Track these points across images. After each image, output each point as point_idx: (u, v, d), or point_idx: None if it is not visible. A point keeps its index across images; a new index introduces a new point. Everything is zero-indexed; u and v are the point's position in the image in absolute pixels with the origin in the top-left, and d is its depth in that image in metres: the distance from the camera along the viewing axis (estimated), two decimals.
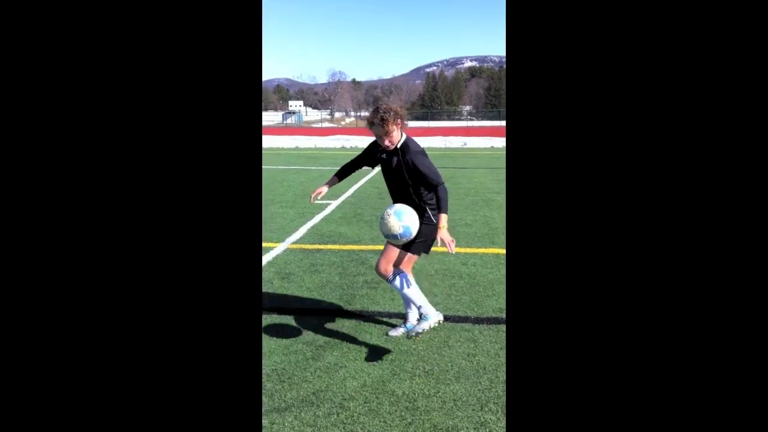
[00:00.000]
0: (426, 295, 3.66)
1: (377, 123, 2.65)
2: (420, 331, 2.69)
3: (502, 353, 2.79)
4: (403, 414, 2.26)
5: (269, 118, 62.07)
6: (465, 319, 3.27)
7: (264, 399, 2.37)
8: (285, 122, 56.59)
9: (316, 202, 3.02)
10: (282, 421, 2.20)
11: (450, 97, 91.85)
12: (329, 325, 3.20)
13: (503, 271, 4.23)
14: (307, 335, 3.05)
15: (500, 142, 22.34)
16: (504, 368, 2.62)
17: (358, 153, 3.02)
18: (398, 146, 2.73)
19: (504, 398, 2.36)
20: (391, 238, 2.67)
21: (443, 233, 2.62)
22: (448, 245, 2.59)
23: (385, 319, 3.27)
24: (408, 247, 2.78)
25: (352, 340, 2.99)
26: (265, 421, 2.20)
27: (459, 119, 62.19)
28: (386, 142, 2.70)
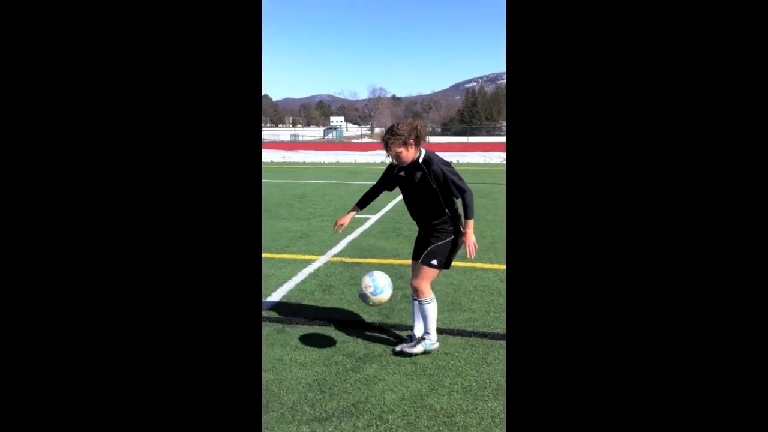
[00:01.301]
0: (464, 312, 3.67)
1: (388, 146, 2.78)
2: (414, 353, 2.92)
3: None
4: (441, 429, 2.27)
5: (311, 133, 63.43)
6: (504, 337, 3.26)
7: (306, 408, 2.44)
8: (326, 137, 57.65)
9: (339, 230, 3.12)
10: (323, 430, 2.27)
11: (490, 112, 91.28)
12: (369, 338, 3.25)
13: None
14: (347, 347, 3.11)
15: None
16: None
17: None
18: (419, 161, 2.81)
19: None
20: (364, 298, 2.85)
21: (471, 236, 2.80)
22: (472, 247, 2.78)
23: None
24: (429, 261, 2.86)
25: (391, 353, 3.03)
26: (306, 430, 2.27)
27: (499, 135, 61.67)
28: (395, 162, 2.86)
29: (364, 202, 3.12)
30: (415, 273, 2.95)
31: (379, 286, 2.82)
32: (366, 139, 48.45)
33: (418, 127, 2.76)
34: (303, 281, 4.44)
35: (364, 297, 2.85)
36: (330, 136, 62.40)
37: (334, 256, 5.34)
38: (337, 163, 22.21)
